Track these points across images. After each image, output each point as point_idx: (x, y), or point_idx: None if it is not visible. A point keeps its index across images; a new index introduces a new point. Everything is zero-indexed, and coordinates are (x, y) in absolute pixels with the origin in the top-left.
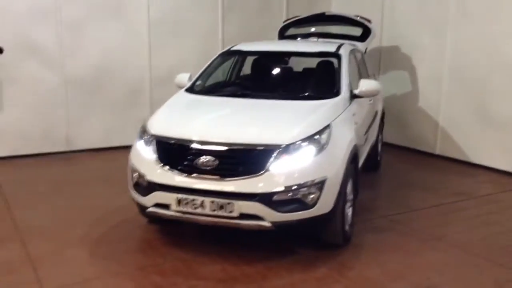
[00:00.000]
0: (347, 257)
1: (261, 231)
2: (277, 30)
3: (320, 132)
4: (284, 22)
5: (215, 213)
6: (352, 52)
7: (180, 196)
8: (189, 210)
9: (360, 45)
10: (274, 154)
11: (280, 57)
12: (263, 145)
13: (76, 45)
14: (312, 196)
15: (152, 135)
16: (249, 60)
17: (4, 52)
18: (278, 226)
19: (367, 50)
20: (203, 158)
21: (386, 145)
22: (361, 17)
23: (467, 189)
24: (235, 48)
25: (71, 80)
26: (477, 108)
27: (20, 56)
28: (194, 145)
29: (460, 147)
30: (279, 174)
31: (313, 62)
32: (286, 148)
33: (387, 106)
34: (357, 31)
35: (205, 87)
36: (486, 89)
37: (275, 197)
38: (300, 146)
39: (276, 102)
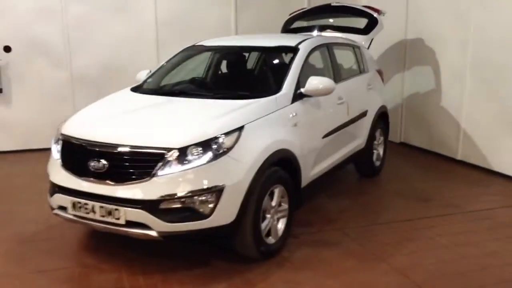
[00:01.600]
0: (258, 273)
1: (150, 240)
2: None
3: (224, 135)
4: (290, 14)
5: (104, 219)
6: (323, 47)
7: (74, 199)
8: (82, 214)
9: (362, 38)
10: (164, 158)
11: (239, 53)
12: (152, 147)
13: (82, 42)
14: (206, 205)
15: (61, 134)
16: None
17: (12, 51)
18: (167, 237)
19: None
20: (94, 160)
21: (407, 147)
22: (371, 8)
23: (465, 201)
24: (199, 43)
25: (77, 77)
26: (501, 109)
27: (28, 54)
28: (87, 146)
29: (482, 152)
30: (167, 180)
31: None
32: (178, 152)
33: (410, 104)
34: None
35: (154, 85)
36: (510, 87)
37: (162, 205)
38: (195, 150)
39: (206, 101)
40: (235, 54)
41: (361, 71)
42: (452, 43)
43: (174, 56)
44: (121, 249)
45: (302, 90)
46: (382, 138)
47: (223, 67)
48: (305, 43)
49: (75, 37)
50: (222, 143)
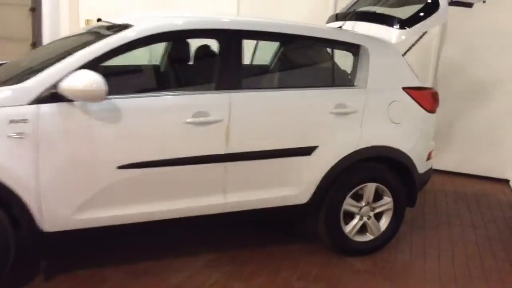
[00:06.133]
0: None
1: None
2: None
3: None
4: None
5: None
6: (204, 33)
7: None
8: None
9: (398, 34)
10: None
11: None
12: None
13: None
14: None
15: None
16: None
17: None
18: None
19: None
20: None
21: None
22: None
23: None
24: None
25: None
26: None
27: None
28: None
29: None
30: None
31: None
32: None
33: None
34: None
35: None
36: None
37: None
38: None
39: None
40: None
41: (335, 83)
42: None
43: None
44: None
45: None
46: (388, 201)
47: None
48: (145, 24)
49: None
50: None
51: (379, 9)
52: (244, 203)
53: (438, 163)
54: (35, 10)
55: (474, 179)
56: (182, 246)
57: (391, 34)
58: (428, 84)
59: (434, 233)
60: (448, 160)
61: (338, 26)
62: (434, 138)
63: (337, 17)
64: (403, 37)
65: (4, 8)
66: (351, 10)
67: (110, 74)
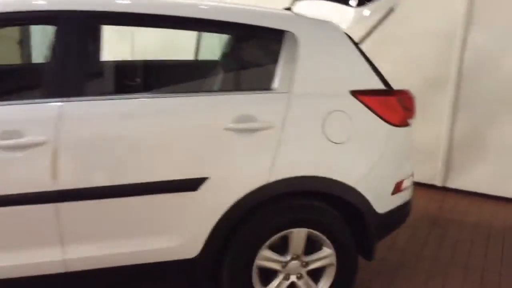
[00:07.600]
0: None
1: None
2: None
3: None
4: None
5: None
6: None
7: None
8: None
9: (351, 14)
10: None
11: None
12: None
13: None
14: None
15: None
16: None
17: None
18: None
19: None
20: None
21: None
22: None
23: None
24: None
25: None
26: None
27: None
28: None
29: None
30: None
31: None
32: None
33: None
34: None
35: None
36: None
37: None
38: None
39: None
40: None
41: (240, 86)
42: None
43: None
44: None
45: None
46: (328, 253)
47: None
48: None
49: None
50: None
51: None
52: (95, 260)
53: (465, 183)
54: None
55: (510, 204)
56: None
57: (345, 13)
58: (450, 83)
59: None
60: (478, 179)
61: (286, 7)
62: (459, 150)
63: None
64: (366, 13)
65: None
66: None
67: None
